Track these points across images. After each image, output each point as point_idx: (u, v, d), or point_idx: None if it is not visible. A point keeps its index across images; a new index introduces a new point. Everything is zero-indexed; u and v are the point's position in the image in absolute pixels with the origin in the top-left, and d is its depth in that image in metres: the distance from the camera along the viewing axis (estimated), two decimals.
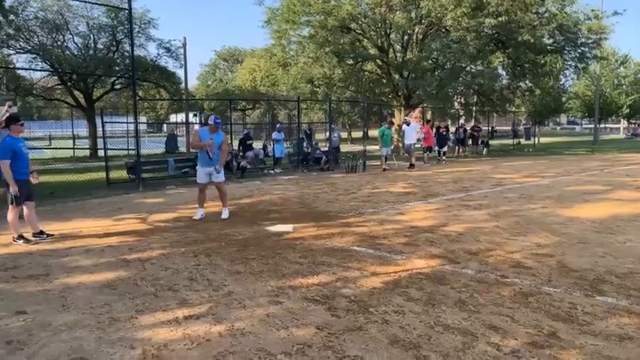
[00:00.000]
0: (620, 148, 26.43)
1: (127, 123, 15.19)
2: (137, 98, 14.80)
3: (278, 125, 18.21)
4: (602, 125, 49.99)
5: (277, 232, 6.67)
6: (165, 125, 44.54)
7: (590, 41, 22.84)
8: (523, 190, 10.58)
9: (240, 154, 15.67)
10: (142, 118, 45.24)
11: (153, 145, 24.29)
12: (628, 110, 45.49)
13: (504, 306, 3.84)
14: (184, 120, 32.67)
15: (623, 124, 51.70)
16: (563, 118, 65.68)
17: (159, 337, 3.41)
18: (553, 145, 30.98)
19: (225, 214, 7.60)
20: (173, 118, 49.85)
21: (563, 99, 40.71)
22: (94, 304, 4.04)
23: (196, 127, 20.22)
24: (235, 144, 16.73)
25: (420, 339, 3.29)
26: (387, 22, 20.95)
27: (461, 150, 22.81)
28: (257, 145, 18.17)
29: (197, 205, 7.86)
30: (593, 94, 41.01)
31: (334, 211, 8.28)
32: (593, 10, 22.59)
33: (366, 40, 22.81)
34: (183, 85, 30.51)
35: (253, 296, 4.17)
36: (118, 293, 4.31)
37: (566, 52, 23.19)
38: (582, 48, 22.91)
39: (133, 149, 12.45)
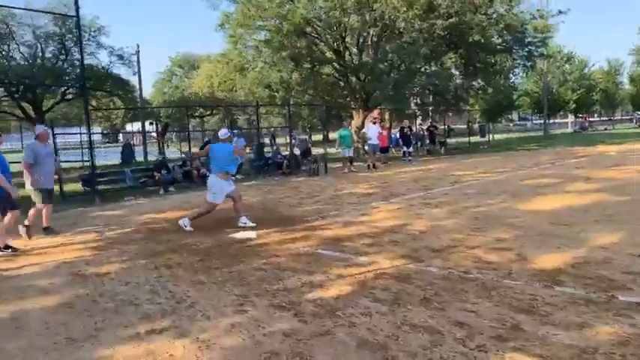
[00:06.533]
0: (569, 142, 27.53)
1: (79, 134, 14.67)
2: (90, 108, 14.33)
3: (236, 131, 18.06)
4: (551, 120, 52.05)
5: (240, 239, 6.58)
6: (120, 135, 43.37)
7: (536, 40, 23.79)
8: (481, 186, 10.86)
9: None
10: (96, 128, 43.93)
11: (109, 156, 23.57)
12: (574, 105, 47.55)
13: (468, 302, 3.91)
14: (140, 129, 31.91)
15: (571, 118, 54.01)
16: (514, 115, 68.00)
17: (120, 355, 3.28)
18: (507, 142, 31.98)
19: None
20: (129, 127, 48.61)
21: (514, 96, 42.28)
22: (50, 325, 3.85)
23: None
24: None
25: (387, 340, 3.30)
26: (342, 25, 21.12)
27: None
28: None
29: (164, 217, 7.58)
30: (542, 90, 42.66)
31: (298, 215, 8.25)
32: (538, 10, 23.55)
33: (322, 44, 22.91)
34: (138, 93, 29.77)
35: (217, 306, 4.08)
36: (76, 312, 4.13)
37: (514, 51, 24.03)
38: (529, 47, 23.80)
39: (87, 161, 12.03)
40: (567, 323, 3.42)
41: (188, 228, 7.19)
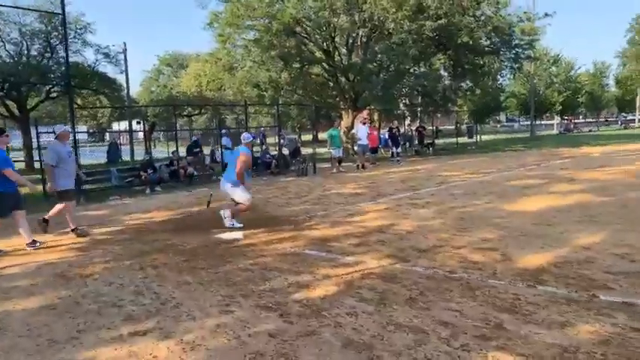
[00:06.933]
0: (554, 143, 27.83)
1: None
2: (75, 106, 14.17)
3: (224, 131, 17.99)
4: (538, 122, 52.58)
5: (227, 239, 6.56)
6: (107, 134, 42.97)
7: (523, 42, 24.01)
8: (467, 186, 10.93)
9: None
10: (82, 127, 43.48)
11: (96, 155, 23.32)
12: (560, 107, 48.12)
13: (453, 301, 3.94)
14: (127, 128, 31.65)
15: (557, 120, 54.60)
16: (502, 116, 68.56)
17: (102, 356, 3.25)
18: (494, 142, 32.23)
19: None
20: (115, 126, 48.19)
21: (502, 98, 42.67)
22: (32, 327, 3.81)
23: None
24: (182, 151, 16.38)
25: (373, 339, 3.31)
26: (332, 25, 21.13)
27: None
28: (205, 151, 17.82)
29: (150, 217, 7.53)
30: (529, 92, 43.10)
31: (285, 215, 8.24)
32: (525, 13, 23.81)
33: (311, 44, 22.89)
34: (125, 92, 29.52)
35: (203, 307, 4.06)
36: (58, 313, 4.09)
37: (502, 52, 24.24)
38: (517, 49, 24.02)
39: None
40: (549, 322, 3.46)
41: (229, 223, 7.15)
